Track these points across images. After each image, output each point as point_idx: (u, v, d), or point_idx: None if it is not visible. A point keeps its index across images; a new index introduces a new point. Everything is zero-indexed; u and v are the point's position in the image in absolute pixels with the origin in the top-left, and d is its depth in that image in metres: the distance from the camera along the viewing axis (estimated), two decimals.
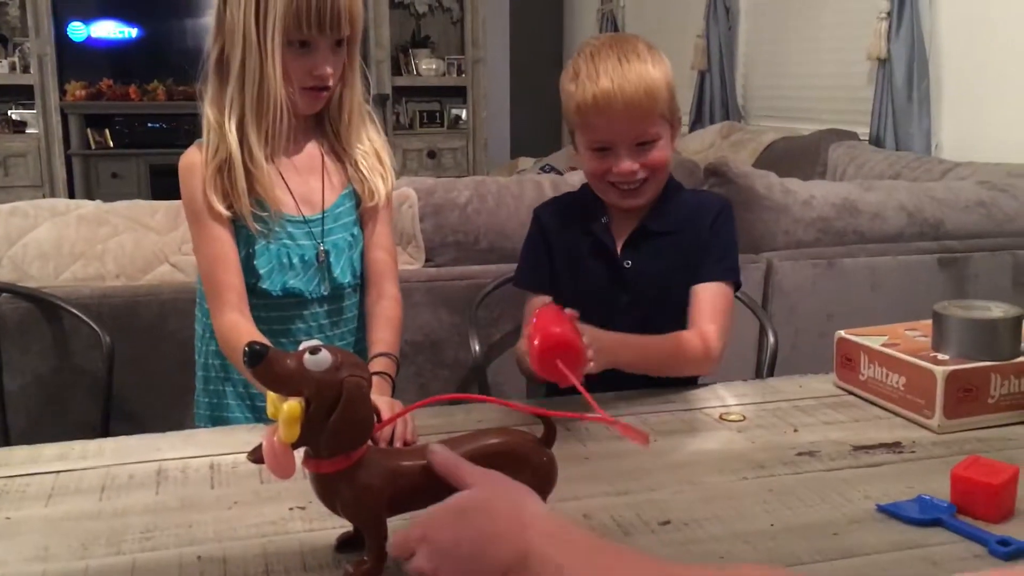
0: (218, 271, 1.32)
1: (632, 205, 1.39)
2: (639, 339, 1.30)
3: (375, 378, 1.26)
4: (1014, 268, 2.31)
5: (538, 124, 6.61)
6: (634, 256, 1.40)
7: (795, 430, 1.19)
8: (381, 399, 1.13)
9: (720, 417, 1.24)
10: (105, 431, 1.67)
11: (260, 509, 0.96)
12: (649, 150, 1.35)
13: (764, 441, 1.15)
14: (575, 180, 2.30)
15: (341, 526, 0.90)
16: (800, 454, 1.11)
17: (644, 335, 1.31)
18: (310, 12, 1.26)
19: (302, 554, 0.87)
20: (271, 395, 0.79)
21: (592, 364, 1.13)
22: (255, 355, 0.76)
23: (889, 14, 3.33)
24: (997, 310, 1.25)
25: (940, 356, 1.22)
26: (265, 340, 1.23)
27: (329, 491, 0.82)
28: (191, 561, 0.85)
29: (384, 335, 1.37)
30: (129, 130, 5.78)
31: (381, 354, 1.33)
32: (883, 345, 1.27)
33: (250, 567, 0.84)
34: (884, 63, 3.37)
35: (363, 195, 1.42)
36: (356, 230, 1.43)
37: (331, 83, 1.33)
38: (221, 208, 1.31)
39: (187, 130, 5.82)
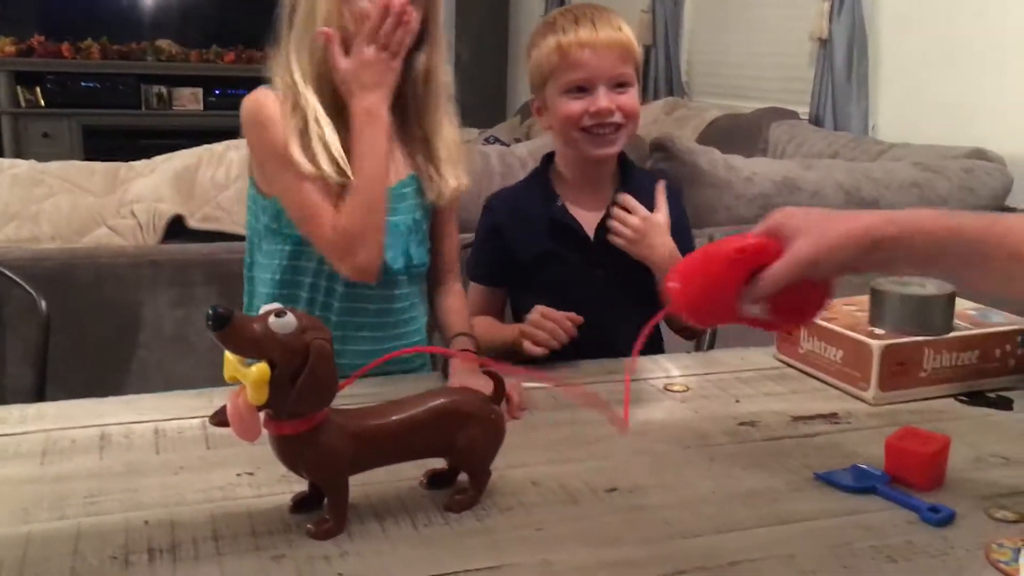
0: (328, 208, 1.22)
1: (605, 154, 1.42)
2: None
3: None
4: None
5: (482, 95, 6.57)
6: (603, 232, 1.42)
7: (737, 401, 1.22)
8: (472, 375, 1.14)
9: (665, 388, 1.26)
10: (40, 397, 1.63)
11: (207, 475, 0.96)
12: (624, 93, 1.39)
13: (707, 411, 1.18)
14: (522, 152, 2.30)
15: (289, 491, 0.90)
16: (741, 424, 1.14)
17: None
18: None
19: (251, 519, 0.87)
20: (230, 358, 0.79)
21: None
22: (220, 319, 0.75)
23: None
24: (931, 287, 1.29)
25: (876, 331, 1.25)
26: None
27: (291, 452, 0.83)
28: (138, 525, 0.85)
29: (457, 319, 1.34)
30: (61, 89, 5.60)
31: (460, 334, 1.30)
32: (822, 319, 1.31)
33: (198, 531, 0.84)
34: (825, 44, 3.43)
35: (429, 192, 1.33)
36: (419, 214, 1.34)
37: (410, 19, 1.20)
38: (307, 164, 1.21)
39: (122, 90, 5.68)
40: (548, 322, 1.28)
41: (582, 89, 1.38)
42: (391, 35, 1.18)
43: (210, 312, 0.77)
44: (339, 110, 1.24)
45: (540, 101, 1.45)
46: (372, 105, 1.20)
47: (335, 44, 1.21)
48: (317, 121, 1.22)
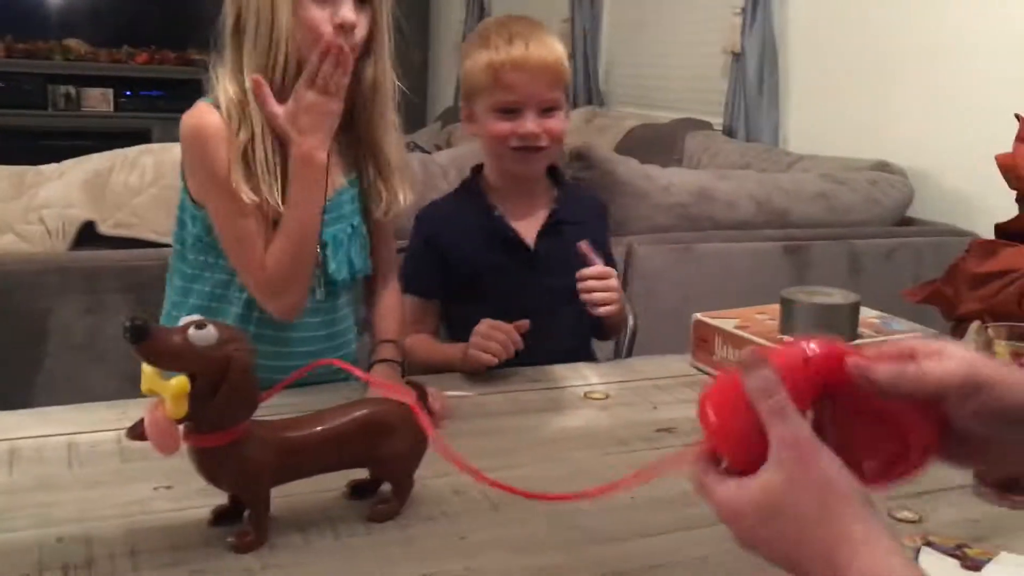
0: (261, 247, 1.21)
1: (528, 171, 1.45)
2: None
3: (384, 365, 1.26)
4: (850, 256, 2.47)
5: (402, 100, 6.55)
6: (544, 242, 1.46)
7: (654, 407, 1.25)
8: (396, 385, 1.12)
9: (584, 395, 1.28)
10: None
11: (123, 489, 0.94)
12: (550, 117, 1.41)
13: (626, 418, 1.21)
14: (443, 159, 2.30)
15: (207, 505, 0.89)
16: (659, 430, 1.17)
17: None
18: None
19: (169, 533, 0.85)
20: (147, 370, 0.78)
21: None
22: (138, 331, 0.74)
23: (743, 10, 3.48)
24: (838, 296, 1.35)
25: (786, 338, 1.30)
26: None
27: (211, 465, 0.82)
28: (51, 542, 0.83)
29: (388, 324, 1.35)
30: None
31: (386, 341, 1.30)
32: (735, 327, 1.35)
33: (115, 547, 0.83)
34: (738, 57, 3.53)
35: (376, 207, 1.31)
36: (357, 220, 1.32)
37: (356, 35, 1.19)
38: (248, 191, 1.17)
39: (28, 90, 5.49)
40: (499, 333, 1.29)
41: (511, 111, 1.40)
42: (329, 77, 1.15)
43: (127, 324, 0.76)
44: None
45: (468, 111, 1.46)
46: (309, 151, 1.18)
47: (265, 89, 1.17)
48: (264, 140, 1.19)
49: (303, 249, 1.22)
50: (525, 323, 1.30)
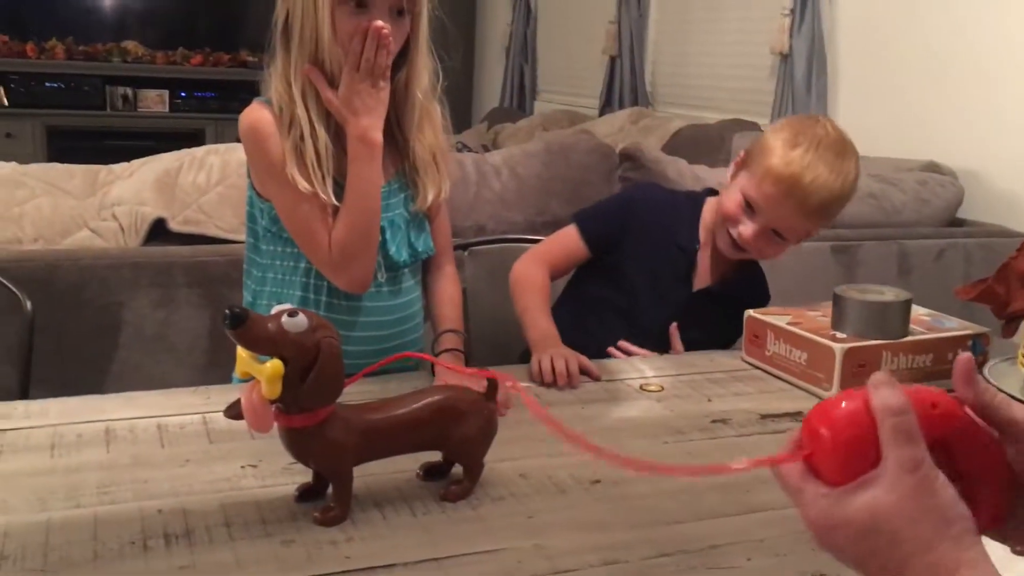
0: (324, 229, 1.28)
1: (731, 257, 1.51)
2: None
3: (448, 355, 1.32)
4: (899, 257, 2.48)
5: (448, 101, 6.61)
6: (703, 296, 1.55)
7: (709, 400, 1.29)
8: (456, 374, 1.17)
9: (640, 388, 1.33)
10: (24, 396, 1.66)
11: (212, 467, 1.00)
12: (776, 240, 1.46)
13: (681, 410, 1.25)
14: (496, 160, 2.36)
15: (291, 483, 0.95)
16: (714, 421, 1.21)
17: None
18: None
19: (259, 507, 0.92)
20: (243, 354, 0.84)
21: None
22: (236, 318, 0.80)
23: (792, 11, 3.49)
24: (889, 294, 1.38)
25: (838, 334, 1.33)
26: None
27: (300, 444, 0.88)
28: (152, 514, 0.89)
29: (448, 311, 1.40)
30: (25, 89, 5.55)
31: (448, 331, 1.36)
32: (788, 324, 1.39)
33: (210, 519, 0.89)
34: (786, 58, 3.53)
35: (415, 196, 1.37)
36: (411, 208, 1.39)
37: (389, 42, 1.21)
38: (302, 181, 1.24)
39: (87, 91, 5.64)
40: (564, 371, 1.30)
41: (752, 209, 1.44)
42: (373, 61, 1.21)
43: (227, 312, 0.82)
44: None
45: (740, 163, 1.50)
46: (364, 131, 1.24)
47: (318, 75, 1.25)
48: (313, 139, 1.26)
49: (367, 222, 1.28)
50: (599, 376, 1.34)
